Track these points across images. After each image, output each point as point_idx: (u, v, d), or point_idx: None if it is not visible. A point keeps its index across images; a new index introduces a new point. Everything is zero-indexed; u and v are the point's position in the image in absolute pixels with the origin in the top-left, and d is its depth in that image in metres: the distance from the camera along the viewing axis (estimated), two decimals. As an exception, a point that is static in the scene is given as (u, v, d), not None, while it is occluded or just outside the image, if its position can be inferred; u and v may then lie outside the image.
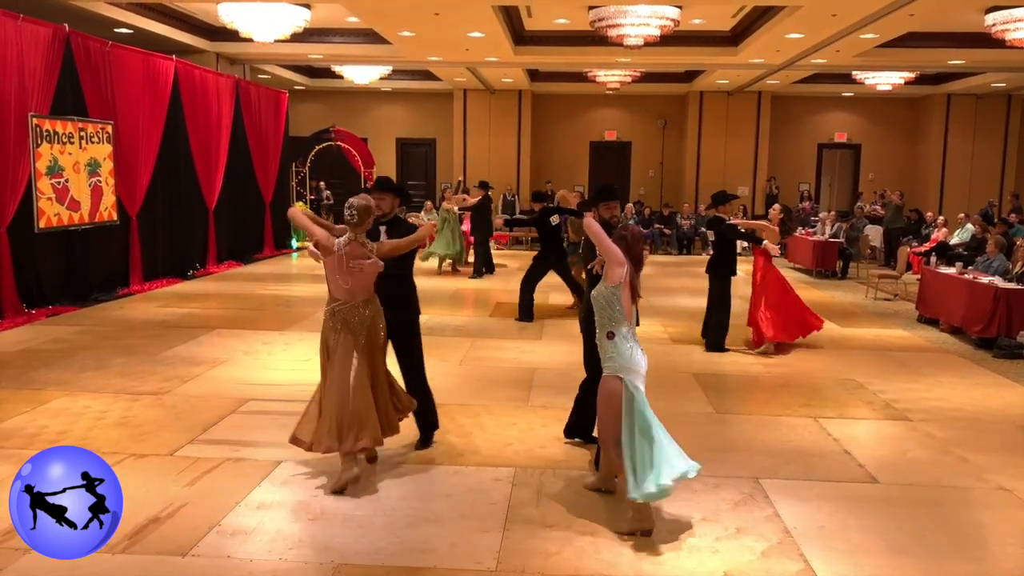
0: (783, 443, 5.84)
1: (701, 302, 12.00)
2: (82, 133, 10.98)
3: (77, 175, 10.93)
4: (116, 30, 13.67)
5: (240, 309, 10.85)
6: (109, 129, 11.60)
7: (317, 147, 19.68)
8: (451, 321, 10.03)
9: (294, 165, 19.42)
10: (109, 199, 11.69)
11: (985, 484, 5.14)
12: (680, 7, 12.34)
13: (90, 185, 11.20)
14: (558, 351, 8.61)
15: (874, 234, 17.50)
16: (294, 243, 18.70)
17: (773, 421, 6.35)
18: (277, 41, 13.51)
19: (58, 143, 10.52)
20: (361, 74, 18.96)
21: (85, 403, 6.43)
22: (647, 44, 12.85)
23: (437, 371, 7.64)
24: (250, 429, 5.92)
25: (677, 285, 13.95)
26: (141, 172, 12.51)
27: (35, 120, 10.05)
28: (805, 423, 6.31)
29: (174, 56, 13.47)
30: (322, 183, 20.67)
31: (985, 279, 9.58)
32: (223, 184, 15.15)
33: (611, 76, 18.84)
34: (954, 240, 15.21)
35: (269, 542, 4.16)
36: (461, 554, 4.07)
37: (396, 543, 4.17)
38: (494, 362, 8.15)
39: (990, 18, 12.43)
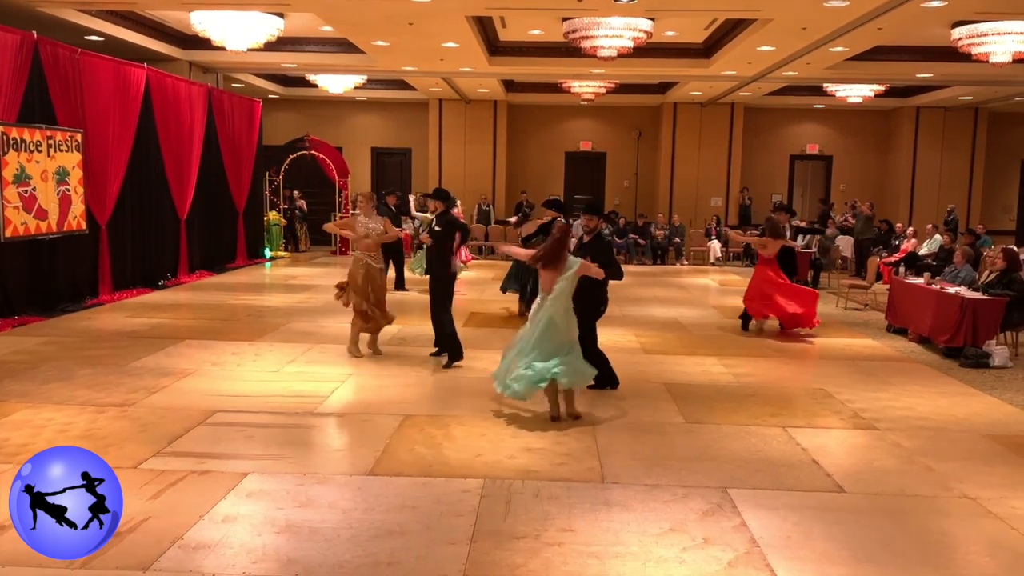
0: (752, 452, 5.87)
1: (674, 312, 12.16)
2: (50, 141, 10.84)
3: (45, 183, 10.79)
4: (87, 38, 13.54)
5: (210, 319, 10.75)
6: (78, 137, 11.46)
7: (291, 156, 19.60)
8: (425, 331, 9.98)
9: (268, 174, 19.32)
10: (78, 208, 11.55)
11: (950, 493, 5.19)
12: (653, 19, 12.44)
13: (58, 194, 11.06)
14: (530, 361, 8.58)
15: (845, 244, 17.69)
16: (267, 252, 18.57)
17: (742, 431, 6.38)
18: (250, 50, 13.44)
19: (25, 151, 10.38)
20: (336, 83, 18.92)
21: (49, 415, 6.33)
22: (620, 56, 12.94)
23: (409, 381, 7.67)
24: (217, 441, 5.85)
25: (649, 295, 14.01)
26: (111, 181, 12.38)
27: (2, 128, 9.91)
28: (774, 432, 6.35)
29: (146, 64, 13.36)
30: (296, 192, 20.57)
31: (952, 289, 9.71)
32: (195, 193, 15.04)
33: (586, 87, 18.94)
34: (923, 250, 15.41)
35: (232, 556, 4.10)
36: (427, 567, 4.04)
37: (361, 556, 4.14)
38: (466, 372, 8.12)
39: (956, 32, 12.67)
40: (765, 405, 7.14)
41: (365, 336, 8.81)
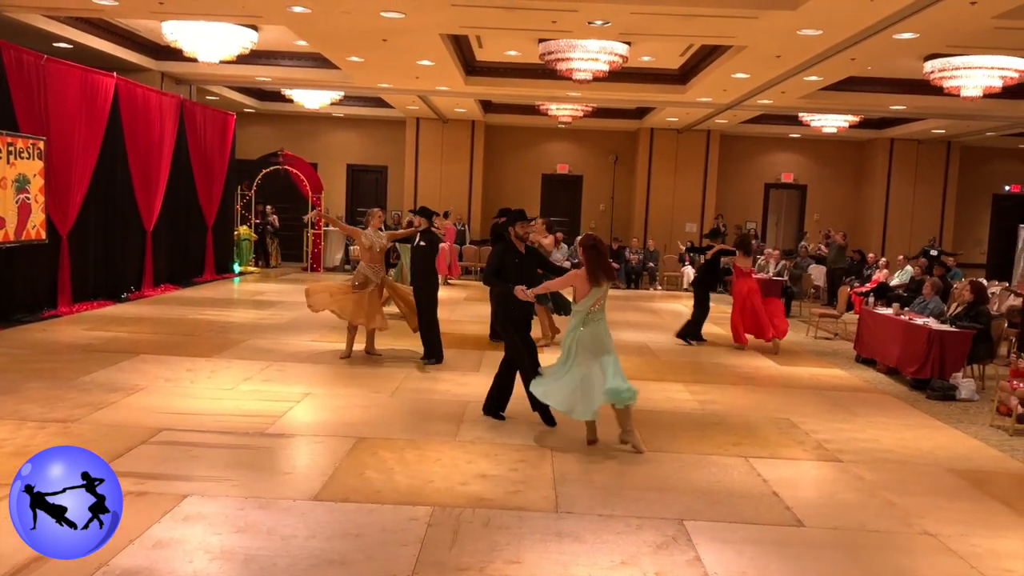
0: (711, 483, 5.73)
1: (644, 337, 12.05)
2: (11, 148, 10.59)
3: (3, 191, 10.51)
4: (55, 44, 13.32)
5: (169, 334, 10.49)
6: (41, 145, 11.21)
7: (264, 171, 19.38)
8: (387, 350, 9.80)
9: (240, 188, 19.08)
10: (38, 217, 11.27)
11: (910, 529, 5.08)
12: (629, 43, 12.43)
13: (17, 202, 10.79)
14: (494, 384, 8.41)
15: (817, 273, 17.70)
16: (236, 267, 18.31)
17: (703, 460, 6.24)
18: (223, 62, 13.28)
19: (-16, 157, 10.13)
20: (312, 99, 18.75)
21: (-15, 430, 6.08)
22: (596, 79, 12.90)
23: (367, 402, 7.48)
24: (159, 461, 5.62)
25: (621, 319, 13.88)
26: (74, 190, 12.12)
27: (-41, 133, 9.67)
28: (735, 462, 6.22)
29: (115, 73, 13.15)
30: (268, 207, 20.33)
31: (920, 321, 9.67)
32: (163, 205, 14.79)
33: (563, 110, 18.92)
34: (894, 281, 15.43)
35: (159, 584, 3.90)
36: (365, 599, 3.86)
37: (297, 586, 3.95)
38: (427, 394, 7.94)
39: (928, 65, 12.76)
40: (729, 434, 7.01)
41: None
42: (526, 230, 7.17)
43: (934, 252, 18.43)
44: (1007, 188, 23.65)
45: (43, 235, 11.42)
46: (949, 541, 4.87)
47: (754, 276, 11.95)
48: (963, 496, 5.76)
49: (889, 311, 10.57)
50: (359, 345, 9.61)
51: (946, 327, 9.35)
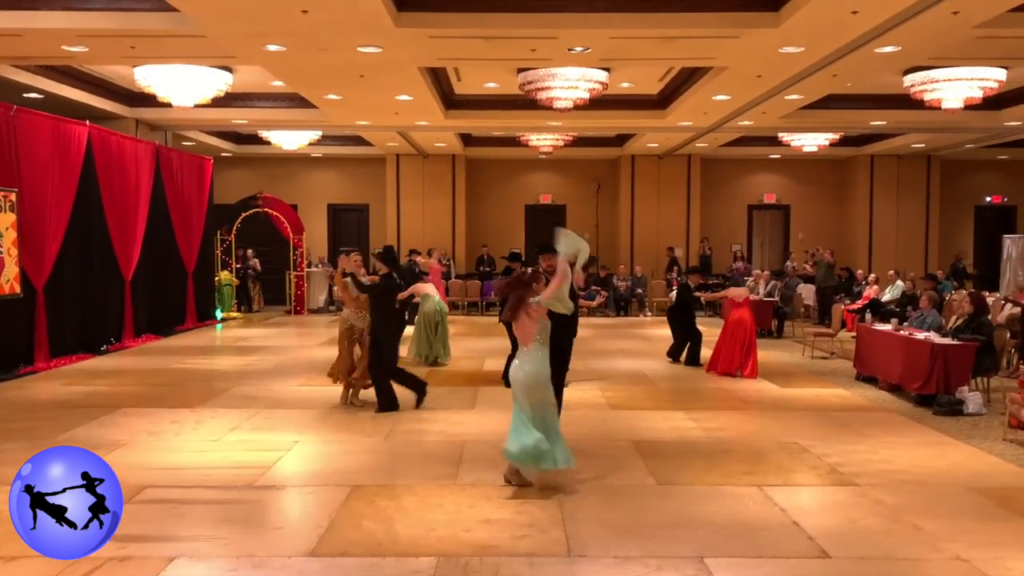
0: (728, 515, 5.46)
1: (639, 364, 11.82)
2: (-19, 201, 10.30)
3: (-25, 246, 10.21)
4: (25, 95, 13.08)
5: (152, 385, 10.14)
6: (13, 197, 10.92)
7: (244, 214, 19.12)
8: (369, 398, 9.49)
9: (219, 233, 18.79)
10: (11, 270, 10.94)
11: (941, 554, 4.82)
12: (608, 70, 12.34)
13: (-11, 256, 10.48)
14: (491, 421, 8.12)
15: (807, 292, 17.58)
16: (218, 314, 17.95)
17: (716, 491, 5.97)
18: (198, 106, 13.08)
19: (-47, 212, 9.82)
20: (289, 140, 18.57)
21: (-44, 498, 5.72)
22: (576, 107, 12.78)
23: (360, 448, 7.19)
24: (143, 521, 5.29)
25: (614, 348, 13.66)
26: (49, 242, 11.79)
27: (-74, 187, 9.37)
28: (750, 492, 5.95)
29: (88, 122, 12.89)
30: (249, 251, 20.02)
31: (920, 335, 9.49)
32: (141, 254, 14.46)
33: (543, 140, 18.84)
34: (885, 297, 15.33)
35: (145, 661, 3.58)
36: (371, 665, 3.55)
37: (296, 655, 3.63)
38: (421, 435, 7.64)
39: (908, 79, 12.74)
40: (739, 462, 6.75)
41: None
42: (549, 263, 7.17)
43: (961, 265, 18.71)
44: (988, 199, 23.76)
45: (17, 289, 11.08)
46: (984, 566, 4.62)
47: (748, 300, 11.71)
48: (990, 516, 5.52)
49: (888, 327, 10.39)
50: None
51: (949, 340, 9.17)
